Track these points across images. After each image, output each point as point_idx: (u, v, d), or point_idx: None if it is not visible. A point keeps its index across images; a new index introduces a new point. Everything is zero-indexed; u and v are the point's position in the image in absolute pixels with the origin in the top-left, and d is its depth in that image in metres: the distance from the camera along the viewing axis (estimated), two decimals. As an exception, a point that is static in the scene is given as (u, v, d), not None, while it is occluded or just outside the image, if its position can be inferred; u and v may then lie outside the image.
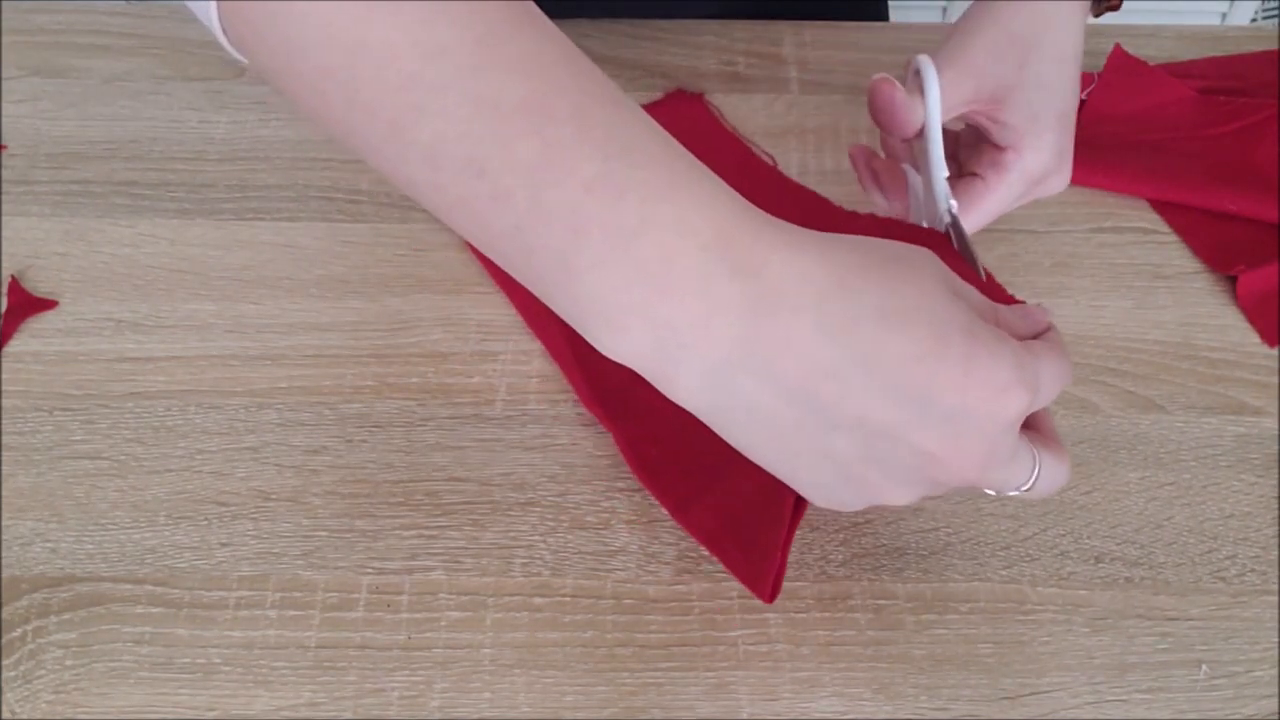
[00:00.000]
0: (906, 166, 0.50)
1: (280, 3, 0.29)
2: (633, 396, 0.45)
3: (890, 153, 0.50)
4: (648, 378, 0.31)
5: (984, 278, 0.47)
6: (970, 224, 0.47)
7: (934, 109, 0.47)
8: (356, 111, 0.30)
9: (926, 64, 0.47)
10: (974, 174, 0.48)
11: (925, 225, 0.49)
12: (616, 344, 0.30)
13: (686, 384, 0.31)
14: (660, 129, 0.31)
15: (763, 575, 0.40)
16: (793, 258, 0.30)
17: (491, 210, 0.30)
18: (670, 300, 0.29)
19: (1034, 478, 0.34)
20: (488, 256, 0.33)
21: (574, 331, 0.32)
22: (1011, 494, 0.35)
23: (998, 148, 0.47)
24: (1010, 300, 0.45)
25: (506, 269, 0.32)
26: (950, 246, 0.48)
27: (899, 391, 0.30)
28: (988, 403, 0.30)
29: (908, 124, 0.45)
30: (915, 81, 0.47)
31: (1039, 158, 0.46)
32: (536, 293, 0.32)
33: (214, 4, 0.32)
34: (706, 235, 0.29)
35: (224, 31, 0.33)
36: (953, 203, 0.47)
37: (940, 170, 0.47)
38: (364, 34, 0.29)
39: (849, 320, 0.30)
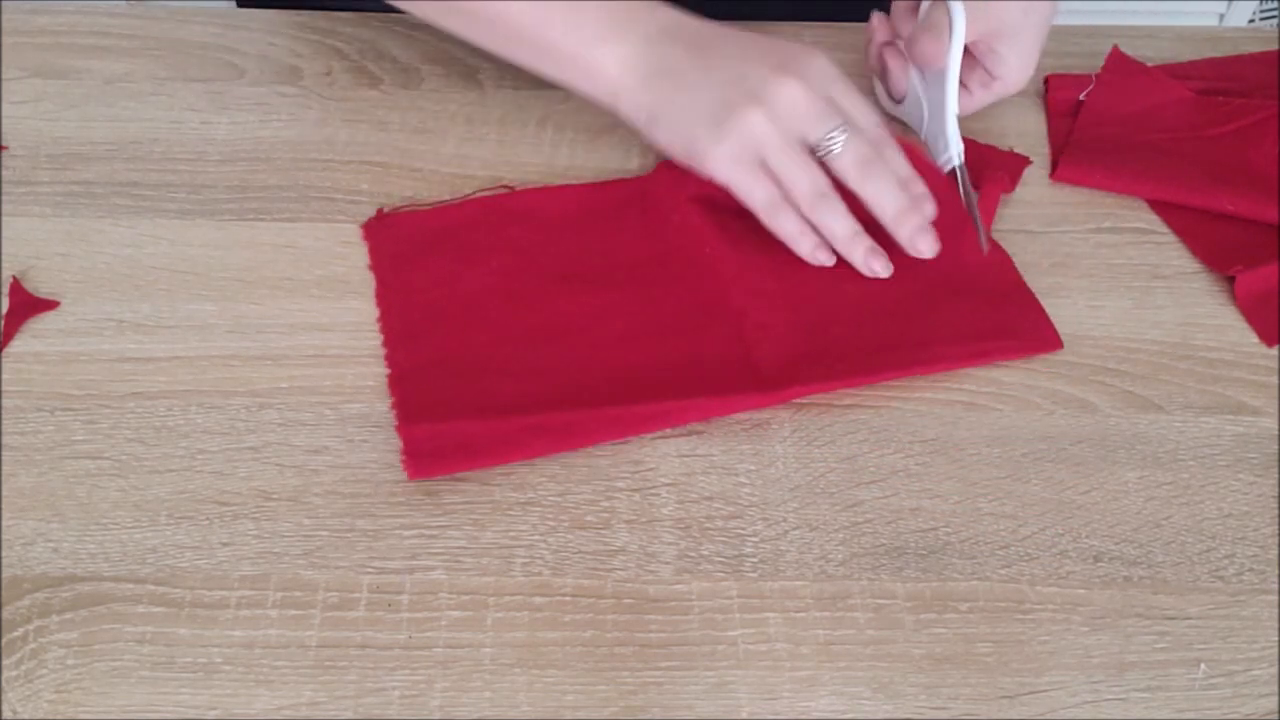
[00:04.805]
0: (910, 65, 0.55)
1: None
2: (800, 359, 0.47)
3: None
4: (613, 79, 0.50)
5: (980, 223, 0.52)
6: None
7: (957, 50, 0.52)
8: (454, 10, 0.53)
9: (958, 9, 0.51)
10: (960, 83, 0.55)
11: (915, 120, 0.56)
12: (604, 62, 0.50)
13: (637, 70, 0.50)
14: None
15: (1040, 332, 0.48)
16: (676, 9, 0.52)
17: (536, 25, 0.50)
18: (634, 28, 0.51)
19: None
20: (512, 55, 0.53)
21: (723, 381, 0.46)
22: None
23: (988, 71, 0.55)
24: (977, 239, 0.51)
25: (526, 60, 0.52)
26: (954, 190, 0.53)
27: (737, 57, 0.49)
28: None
29: (932, 58, 0.53)
30: (940, 14, 0.52)
31: (1020, 83, 0.56)
32: (548, 68, 0.52)
33: None
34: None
35: None
36: (961, 147, 0.53)
37: (953, 108, 0.53)
38: None
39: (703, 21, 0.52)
